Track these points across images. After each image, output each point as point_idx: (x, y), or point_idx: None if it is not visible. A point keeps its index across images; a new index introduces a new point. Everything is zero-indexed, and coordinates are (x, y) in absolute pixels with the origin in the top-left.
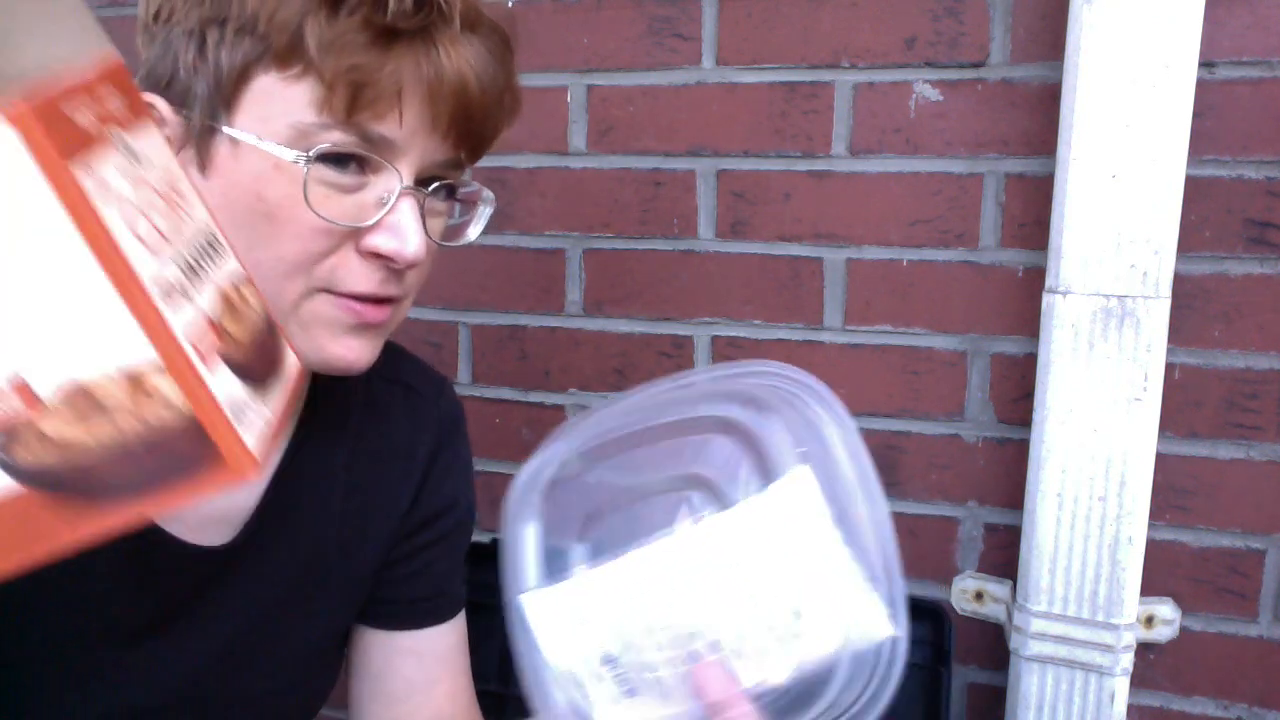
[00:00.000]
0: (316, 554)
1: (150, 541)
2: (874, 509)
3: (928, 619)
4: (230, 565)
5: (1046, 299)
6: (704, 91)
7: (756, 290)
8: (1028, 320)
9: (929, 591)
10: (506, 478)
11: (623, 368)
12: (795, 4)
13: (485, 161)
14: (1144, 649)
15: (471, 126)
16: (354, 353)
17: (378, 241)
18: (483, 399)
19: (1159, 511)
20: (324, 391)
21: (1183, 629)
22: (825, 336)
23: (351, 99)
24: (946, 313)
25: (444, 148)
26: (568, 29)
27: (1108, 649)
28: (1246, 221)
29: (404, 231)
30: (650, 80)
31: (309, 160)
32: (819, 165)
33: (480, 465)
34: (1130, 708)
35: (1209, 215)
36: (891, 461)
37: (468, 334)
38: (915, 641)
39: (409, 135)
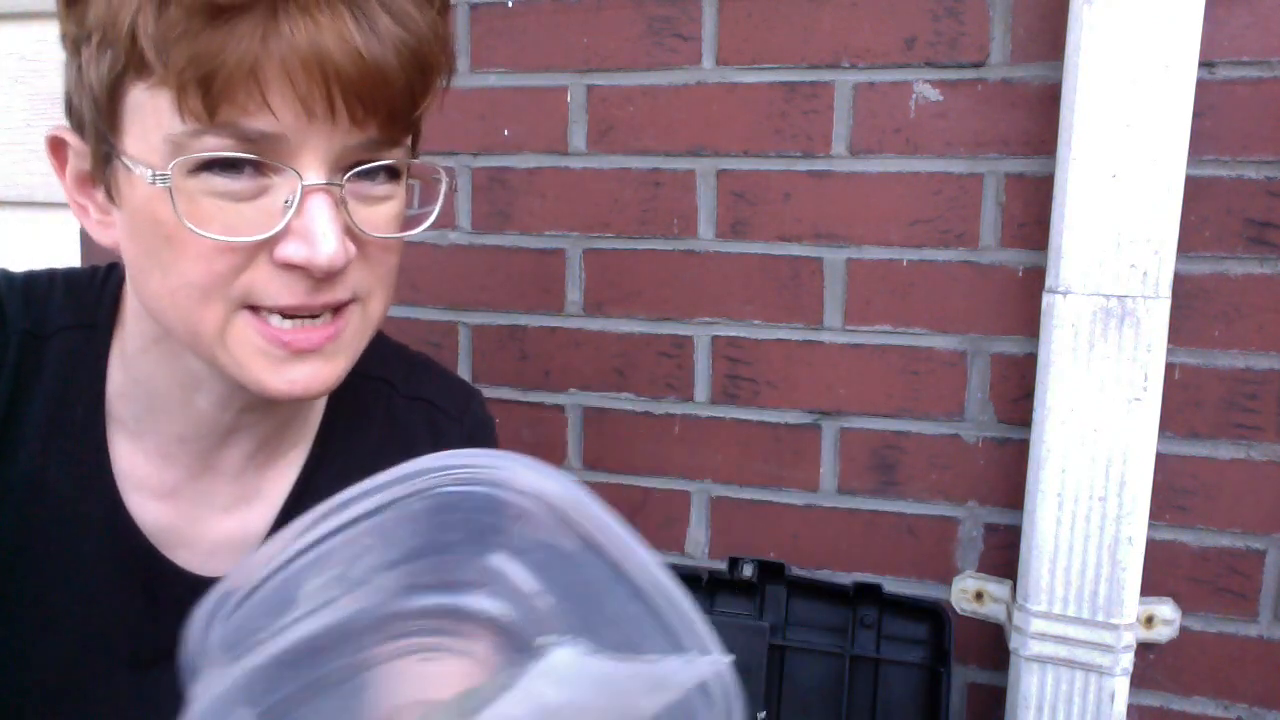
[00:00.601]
0: None
1: (155, 571)
2: (629, 559)
3: (928, 619)
4: None
5: (1046, 299)
6: (704, 91)
7: (756, 290)
8: (1028, 320)
9: (929, 591)
10: None
11: (623, 368)
12: (795, 4)
13: (485, 161)
14: (1144, 649)
15: (369, 103)
16: (298, 385)
17: (289, 251)
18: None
19: (1159, 511)
20: (341, 410)
21: (1183, 629)
22: (825, 336)
23: (204, 95)
24: (946, 313)
25: (349, 132)
26: (568, 29)
27: (1108, 649)
28: (1246, 221)
29: (313, 236)
30: (650, 80)
31: (170, 176)
32: (819, 165)
33: None
34: (1130, 708)
35: (1209, 215)
36: (891, 461)
37: (468, 334)
38: (915, 641)
39: (294, 126)
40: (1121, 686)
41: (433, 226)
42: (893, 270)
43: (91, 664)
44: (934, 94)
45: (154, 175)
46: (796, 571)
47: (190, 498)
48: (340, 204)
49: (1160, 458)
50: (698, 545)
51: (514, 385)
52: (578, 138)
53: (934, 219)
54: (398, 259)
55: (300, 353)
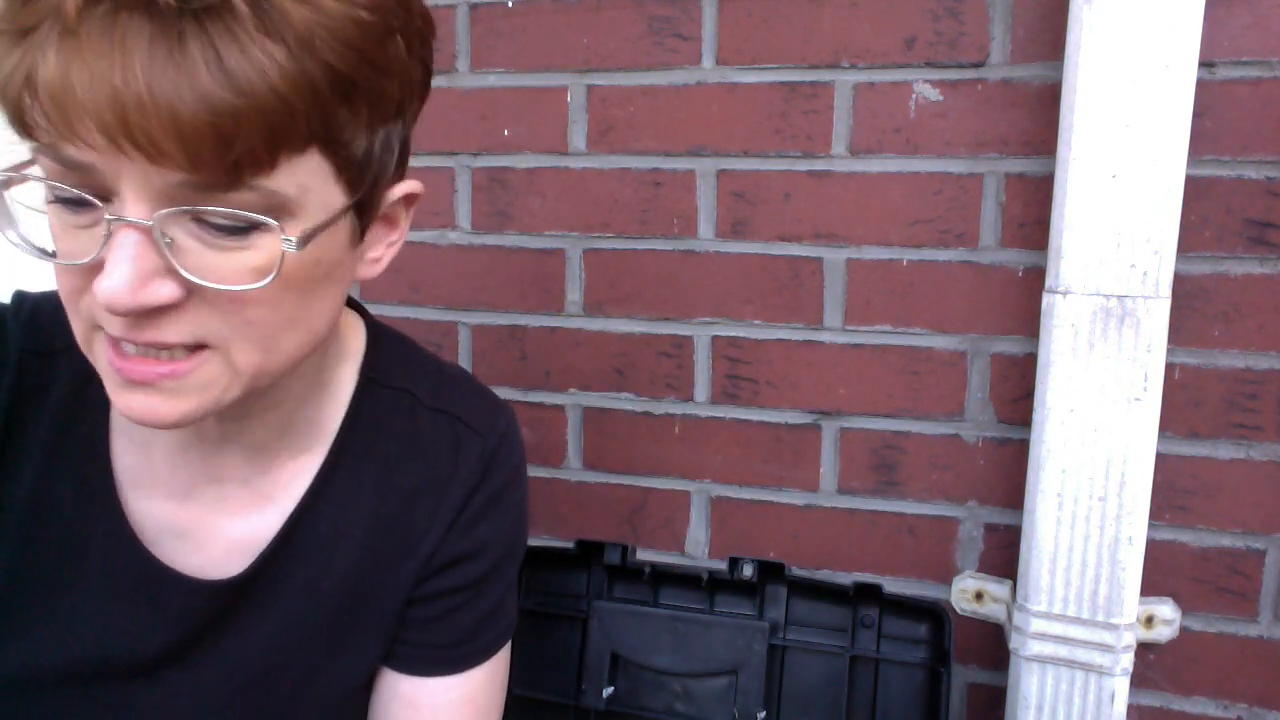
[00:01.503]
0: (340, 588)
1: (157, 577)
2: None
3: (928, 619)
4: (244, 597)
5: (1046, 299)
6: (704, 91)
7: (756, 290)
8: (1028, 320)
9: (929, 591)
10: None
11: (623, 368)
12: (795, 4)
13: (485, 161)
14: (1144, 649)
15: (151, 140)
16: (134, 413)
17: (95, 283)
18: None
19: (1159, 511)
20: (360, 419)
21: (1183, 629)
22: (825, 336)
23: (12, 118)
24: (946, 313)
25: (154, 169)
26: (568, 29)
27: (1108, 649)
28: (1246, 221)
29: (108, 269)
30: (650, 80)
31: (2, 186)
32: (819, 165)
33: None
34: (1130, 708)
35: (1209, 215)
36: (891, 461)
37: (468, 334)
38: (915, 641)
39: (104, 159)
40: (1121, 686)
41: (434, 226)
42: (893, 270)
43: (98, 675)
44: (934, 94)
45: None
46: (796, 571)
47: (204, 500)
48: (153, 243)
49: (1160, 458)
50: (698, 545)
51: (514, 385)
52: (578, 138)
53: (934, 219)
54: (272, 310)
55: (135, 382)
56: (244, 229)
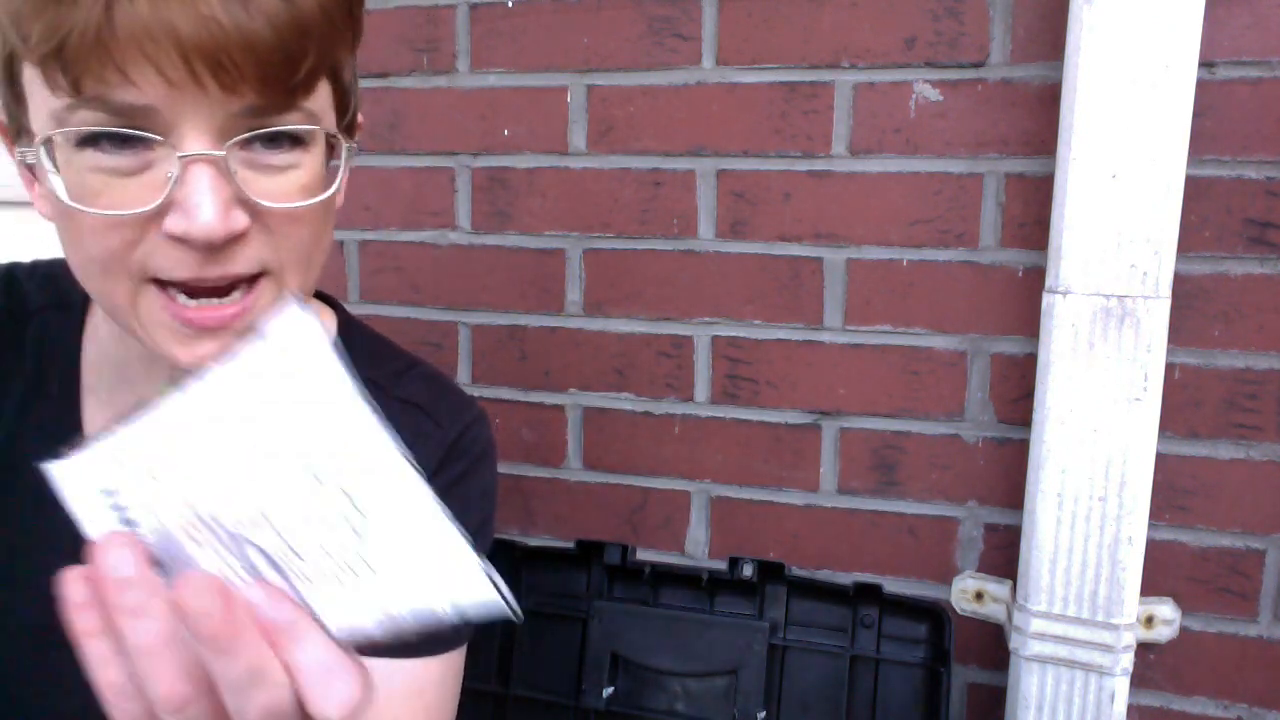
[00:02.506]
0: None
1: None
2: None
3: (928, 619)
4: None
5: (1046, 299)
6: (704, 91)
7: (756, 290)
8: (1028, 320)
9: (929, 591)
10: (506, 478)
11: (623, 368)
12: (795, 4)
13: (485, 161)
14: (1144, 649)
15: (229, 67)
16: (208, 361)
17: (169, 224)
18: (483, 399)
19: (1159, 511)
20: None
21: (1183, 629)
22: (825, 336)
23: (64, 70)
24: (946, 313)
25: (222, 100)
26: (568, 29)
27: (1108, 649)
28: (1246, 221)
29: (191, 208)
30: (650, 80)
31: (40, 152)
32: (819, 165)
33: None
34: (1130, 708)
35: (1209, 215)
36: (891, 461)
37: (468, 334)
38: (915, 641)
39: (162, 96)
40: (1121, 686)
41: (434, 226)
42: (893, 270)
43: (58, 635)
44: (934, 94)
45: (21, 152)
46: (796, 571)
47: None
48: (226, 174)
49: (1160, 458)
50: (698, 545)
51: (514, 385)
52: (578, 138)
53: (934, 219)
54: (313, 230)
55: (205, 330)
56: (289, 150)
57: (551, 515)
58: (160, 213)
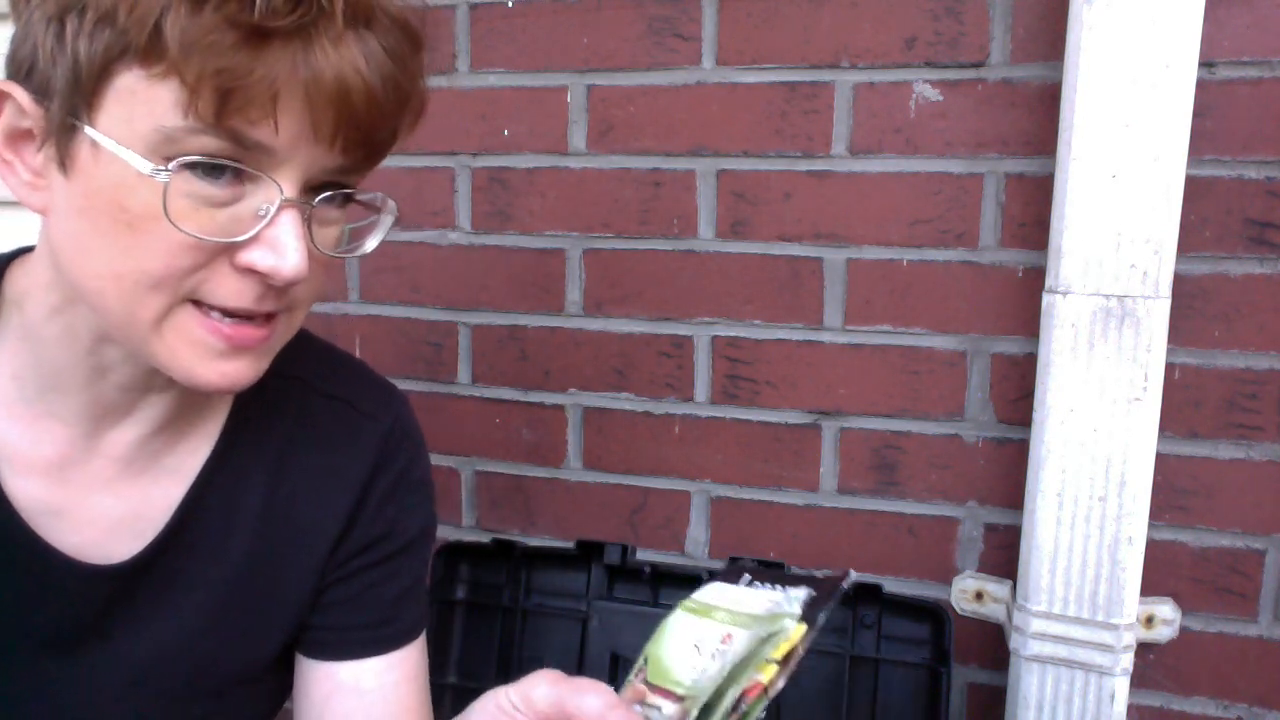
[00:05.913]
0: (234, 573)
1: (42, 560)
2: None
3: (928, 619)
4: (136, 583)
5: (1046, 299)
6: (704, 91)
7: (756, 290)
8: (1028, 320)
9: (929, 591)
10: (507, 478)
11: (623, 368)
12: (795, 4)
13: (485, 161)
14: (1144, 649)
15: (361, 133)
16: (228, 379)
17: (254, 258)
18: (483, 399)
19: (1159, 511)
20: (251, 404)
21: (1183, 629)
22: (825, 336)
23: (220, 103)
24: (946, 313)
25: (330, 155)
26: (568, 29)
27: (1108, 649)
28: (1246, 221)
29: (283, 248)
30: (650, 80)
31: (170, 171)
32: (819, 165)
33: (480, 465)
34: (1130, 708)
35: (1209, 215)
36: (891, 461)
37: (468, 334)
38: (915, 641)
39: (289, 143)
40: (1121, 686)
41: (434, 226)
42: (893, 270)
43: None
44: (934, 94)
45: (155, 170)
46: (796, 571)
47: (76, 479)
48: (307, 221)
49: (1160, 458)
50: (698, 545)
51: (514, 385)
52: (578, 138)
53: (934, 219)
54: (322, 277)
55: (238, 348)
56: (341, 206)
57: (551, 515)
58: (241, 244)
